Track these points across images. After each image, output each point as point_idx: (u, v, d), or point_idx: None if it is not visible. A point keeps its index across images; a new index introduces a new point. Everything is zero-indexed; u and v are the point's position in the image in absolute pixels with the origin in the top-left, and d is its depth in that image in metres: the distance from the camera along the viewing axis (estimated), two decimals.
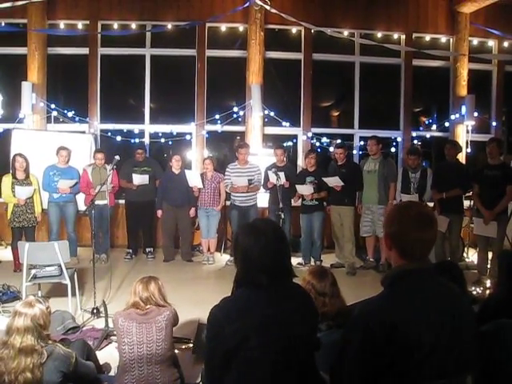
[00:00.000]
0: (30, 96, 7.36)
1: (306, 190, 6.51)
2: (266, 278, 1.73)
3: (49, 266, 4.58)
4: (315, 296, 2.48)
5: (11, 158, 6.42)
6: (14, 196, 6.13)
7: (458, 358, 1.61)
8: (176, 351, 3.38)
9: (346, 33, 8.04)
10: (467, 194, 6.48)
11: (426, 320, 1.55)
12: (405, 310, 1.56)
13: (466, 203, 6.86)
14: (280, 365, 1.70)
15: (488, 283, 5.69)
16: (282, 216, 5.17)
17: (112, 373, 3.29)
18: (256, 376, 1.68)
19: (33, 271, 4.57)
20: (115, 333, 3.87)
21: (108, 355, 3.69)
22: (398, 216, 1.66)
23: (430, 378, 1.57)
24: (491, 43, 8.58)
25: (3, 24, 7.72)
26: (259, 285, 1.74)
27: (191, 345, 3.87)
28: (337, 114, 11.09)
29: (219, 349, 1.69)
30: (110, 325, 4.10)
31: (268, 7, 7.57)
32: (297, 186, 6.53)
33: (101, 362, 3.29)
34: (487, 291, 5.33)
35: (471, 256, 7.02)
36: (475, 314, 1.69)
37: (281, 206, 5.24)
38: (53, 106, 7.67)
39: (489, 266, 5.97)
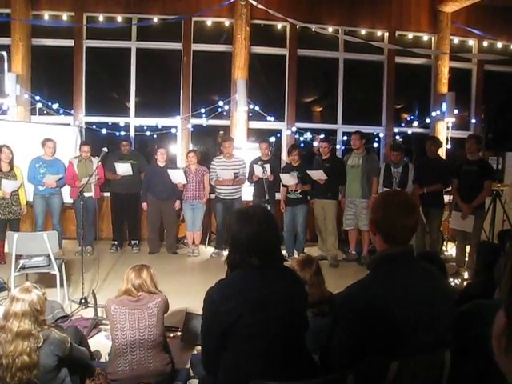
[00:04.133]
0: (14, 87, 7.30)
1: (290, 179, 6.61)
2: (255, 260, 1.83)
3: (37, 256, 4.61)
4: None
5: None
6: (0, 189, 6.11)
7: (437, 334, 1.73)
8: None
9: (330, 29, 8.14)
10: (447, 189, 6.67)
11: (407, 300, 1.67)
12: (388, 291, 1.68)
13: (446, 198, 7.04)
14: (273, 342, 1.80)
15: (466, 275, 5.90)
16: (269, 207, 5.27)
17: (102, 359, 3.36)
18: (251, 352, 1.78)
19: (21, 261, 4.59)
20: (104, 322, 3.97)
21: (97, 343, 3.75)
22: (383, 203, 1.78)
23: (412, 353, 1.69)
24: (471, 42, 8.78)
25: None
26: (251, 266, 1.84)
27: (179, 333, 3.96)
28: (320, 109, 11.21)
29: (215, 328, 1.79)
30: (99, 314, 4.18)
31: (254, 2, 7.65)
32: (281, 176, 6.64)
33: (91, 350, 3.36)
34: (465, 282, 5.53)
35: (450, 249, 7.22)
36: (454, 293, 1.82)
37: (267, 197, 5.35)
38: (37, 97, 7.62)
39: (466, 258, 6.17)
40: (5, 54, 6.24)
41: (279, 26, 8.20)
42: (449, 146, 8.36)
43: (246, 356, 1.78)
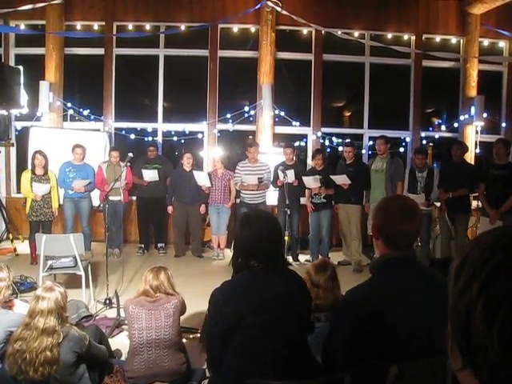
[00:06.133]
0: (47, 95, 7.60)
1: (312, 182, 6.62)
2: (256, 264, 1.88)
3: (64, 257, 4.79)
4: (310, 286, 2.63)
5: (30, 154, 6.66)
6: (32, 191, 6.36)
7: (438, 340, 1.74)
8: (184, 340, 3.55)
9: (356, 34, 8.13)
10: (474, 194, 6.54)
11: (407, 304, 1.69)
12: (387, 296, 1.70)
13: (475, 203, 6.91)
14: (275, 343, 1.85)
15: None
16: (288, 212, 5.31)
17: (123, 358, 3.47)
18: (253, 353, 1.83)
19: (49, 262, 4.78)
20: (126, 322, 4.08)
21: (119, 342, 3.87)
22: (384, 208, 1.80)
23: (412, 357, 1.70)
24: (502, 44, 8.60)
25: (23, 25, 7.99)
26: (255, 269, 1.89)
27: (199, 334, 4.04)
28: (349, 113, 11.18)
29: (219, 327, 1.85)
30: (122, 314, 4.30)
31: (279, 9, 7.71)
32: (304, 178, 6.64)
33: (112, 349, 3.47)
34: None
35: None
36: None
37: (287, 202, 5.38)
38: (69, 104, 7.91)
39: None
40: (21, 68, 6.58)
41: (305, 31, 8.24)
42: (478, 151, 8.19)
43: (249, 356, 1.83)
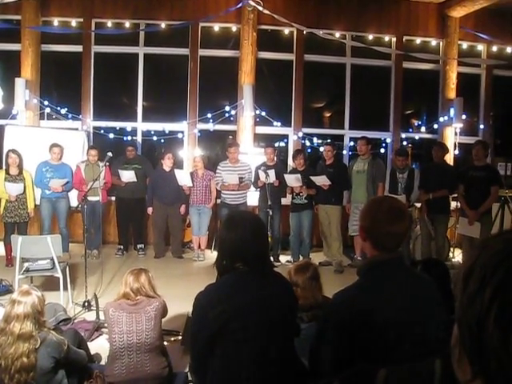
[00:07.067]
0: (23, 92, 7.40)
1: (294, 180, 6.59)
2: (241, 266, 1.84)
3: (41, 259, 4.66)
4: None
5: (4, 154, 6.48)
6: (6, 192, 6.19)
7: (426, 343, 1.72)
8: (165, 343, 3.49)
9: (337, 34, 8.15)
10: (454, 195, 6.62)
11: (395, 307, 1.67)
12: (376, 298, 1.67)
13: (453, 204, 7.00)
14: (261, 347, 1.80)
15: None
16: (271, 213, 5.28)
17: (102, 362, 3.39)
18: (238, 357, 1.79)
19: (25, 264, 4.65)
20: (106, 324, 3.99)
21: (99, 346, 3.78)
22: (371, 210, 1.77)
23: (401, 360, 1.67)
24: (480, 47, 8.72)
25: None
26: (239, 271, 1.85)
27: (180, 337, 3.98)
28: (329, 114, 11.20)
29: (203, 332, 1.80)
30: (101, 317, 4.21)
31: (261, 8, 7.68)
32: (285, 176, 6.61)
33: (92, 353, 3.39)
34: None
35: (457, 256, 7.16)
36: (442, 299, 1.80)
37: (269, 203, 5.35)
38: (46, 102, 7.72)
39: None
40: None
41: (286, 31, 8.22)
42: (456, 152, 8.30)
43: (234, 361, 1.79)
